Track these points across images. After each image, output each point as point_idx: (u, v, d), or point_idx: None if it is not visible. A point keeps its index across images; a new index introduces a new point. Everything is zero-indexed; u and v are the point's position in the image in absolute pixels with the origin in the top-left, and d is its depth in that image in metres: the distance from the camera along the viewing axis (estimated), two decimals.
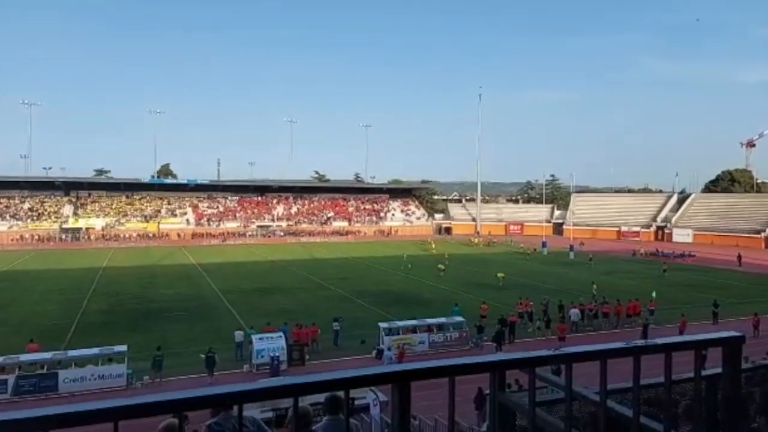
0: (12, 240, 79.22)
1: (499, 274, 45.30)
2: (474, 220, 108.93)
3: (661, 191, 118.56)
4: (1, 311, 34.01)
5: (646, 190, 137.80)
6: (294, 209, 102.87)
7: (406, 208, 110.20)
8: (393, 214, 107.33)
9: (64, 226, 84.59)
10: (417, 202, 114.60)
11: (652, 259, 64.54)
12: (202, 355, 22.88)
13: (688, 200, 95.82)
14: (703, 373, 2.13)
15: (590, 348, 1.70)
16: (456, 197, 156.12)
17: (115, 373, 21.40)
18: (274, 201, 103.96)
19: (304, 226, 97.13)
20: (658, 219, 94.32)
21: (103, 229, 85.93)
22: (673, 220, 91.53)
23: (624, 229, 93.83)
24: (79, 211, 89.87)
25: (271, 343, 23.35)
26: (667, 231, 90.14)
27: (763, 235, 78.74)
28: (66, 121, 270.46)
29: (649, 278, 47.24)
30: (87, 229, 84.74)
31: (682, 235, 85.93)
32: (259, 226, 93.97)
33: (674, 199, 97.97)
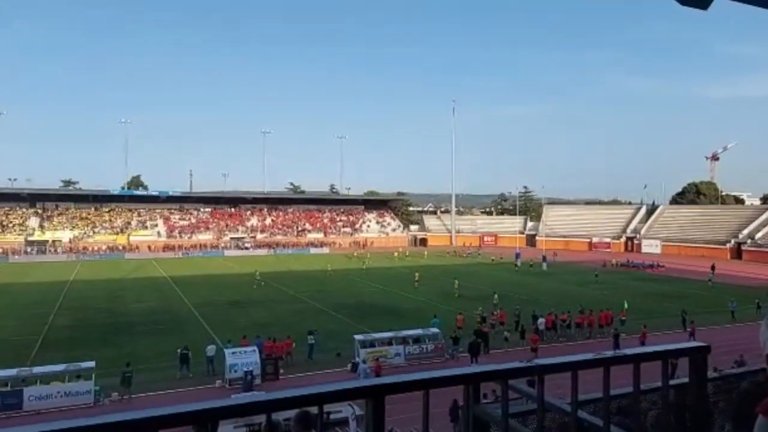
0: None
1: (455, 284, 46.28)
2: (449, 231, 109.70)
3: (630, 203, 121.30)
4: None
5: (615, 202, 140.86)
6: (268, 221, 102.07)
7: (381, 220, 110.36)
8: (368, 226, 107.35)
9: (30, 238, 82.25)
10: (392, 214, 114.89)
11: (623, 270, 65.78)
12: (179, 350, 23.89)
13: (657, 212, 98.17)
14: (672, 382, 2.17)
15: (561, 360, 1.73)
16: (431, 209, 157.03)
17: (82, 390, 20.78)
18: (248, 213, 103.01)
19: (278, 237, 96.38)
20: (628, 230, 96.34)
21: (70, 242, 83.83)
22: (642, 231, 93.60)
23: (595, 240, 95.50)
24: (46, 224, 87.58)
25: (244, 358, 23.02)
26: (636, 242, 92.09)
27: (728, 245, 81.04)
28: (32, 130, 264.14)
29: (620, 288, 48.11)
30: (54, 241, 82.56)
31: (650, 246, 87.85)
32: (232, 238, 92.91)
33: (643, 210, 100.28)
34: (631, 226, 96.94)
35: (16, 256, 76.58)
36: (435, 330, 27.75)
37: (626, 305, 35.20)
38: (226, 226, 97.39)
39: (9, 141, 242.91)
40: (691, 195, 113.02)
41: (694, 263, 67.87)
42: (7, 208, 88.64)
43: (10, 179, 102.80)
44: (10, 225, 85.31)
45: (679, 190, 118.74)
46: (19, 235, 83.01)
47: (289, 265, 69.13)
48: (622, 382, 2.15)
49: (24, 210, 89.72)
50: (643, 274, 61.36)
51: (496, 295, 39.69)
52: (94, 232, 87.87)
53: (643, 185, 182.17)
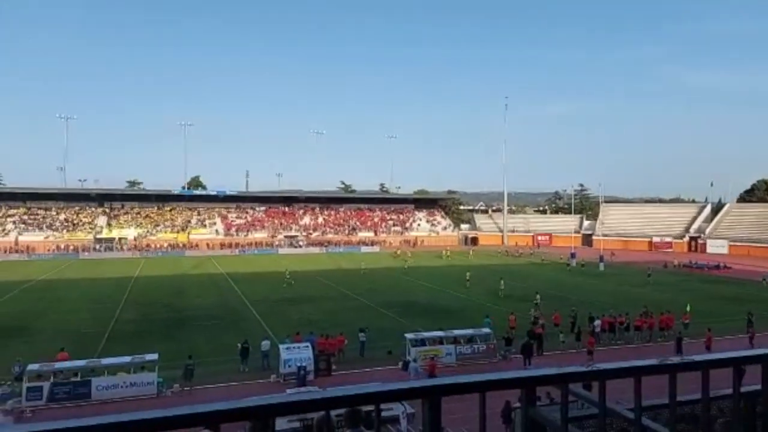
0: (48, 250, 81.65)
1: (501, 284, 45.43)
2: (501, 230, 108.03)
3: (694, 201, 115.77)
4: (37, 319, 34.99)
5: (678, 200, 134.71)
6: (320, 219, 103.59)
7: (431, 219, 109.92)
8: (419, 225, 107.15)
9: (98, 236, 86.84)
10: (443, 213, 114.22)
11: (686, 271, 62.90)
12: (239, 344, 24.86)
13: (723, 210, 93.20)
14: (741, 389, 2.06)
15: (624, 365, 1.67)
16: (482, 207, 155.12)
17: (146, 381, 21.75)
18: (301, 211, 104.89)
19: (330, 236, 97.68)
20: (692, 230, 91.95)
21: (135, 239, 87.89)
22: (707, 230, 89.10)
23: (656, 240, 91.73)
24: (113, 222, 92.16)
25: (298, 353, 23.45)
26: (701, 242, 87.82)
27: None
28: (100, 133, 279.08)
29: (682, 291, 46.02)
30: (120, 239, 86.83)
31: (716, 247, 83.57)
32: (286, 236, 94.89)
33: (708, 209, 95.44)
34: (695, 226, 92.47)
35: (86, 253, 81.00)
36: (487, 330, 27.38)
37: (689, 308, 33.60)
38: (280, 224, 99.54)
39: (79, 144, 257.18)
40: (761, 192, 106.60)
41: (764, 265, 64.04)
42: (77, 208, 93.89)
43: (80, 180, 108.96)
44: (81, 223, 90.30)
45: (748, 187, 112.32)
46: (88, 233, 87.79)
47: (339, 264, 69.92)
48: (684, 388, 2.06)
49: (93, 209, 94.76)
50: (708, 276, 58.44)
51: (538, 296, 39.00)
52: (156, 230, 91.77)
53: (709, 182, 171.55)
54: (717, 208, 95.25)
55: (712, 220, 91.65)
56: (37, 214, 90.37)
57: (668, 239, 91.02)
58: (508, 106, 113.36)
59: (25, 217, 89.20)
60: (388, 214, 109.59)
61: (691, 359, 1.70)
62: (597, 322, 29.48)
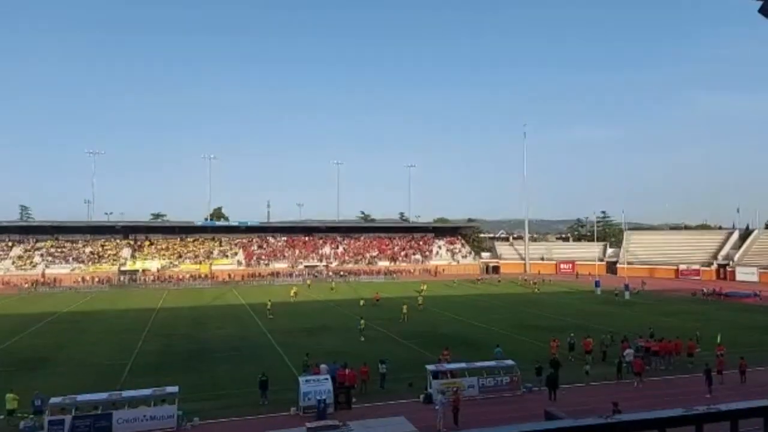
0: (74, 282, 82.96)
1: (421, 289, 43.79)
2: (522, 258, 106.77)
3: (720, 227, 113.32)
4: (60, 351, 35.32)
5: (704, 227, 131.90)
6: (340, 249, 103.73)
7: (451, 247, 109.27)
8: (439, 253, 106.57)
9: (123, 268, 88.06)
10: (463, 241, 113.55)
11: (715, 299, 61.15)
12: (258, 377, 24.67)
13: (752, 236, 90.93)
14: None
15: (648, 416, 1.60)
16: (503, 235, 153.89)
17: (166, 414, 21.65)
18: (321, 241, 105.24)
19: (350, 265, 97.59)
20: (719, 257, 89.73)
21: (158, 271, 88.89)
22: (736, 257, 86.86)
23: (682, 267, 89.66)
24: (137, 254, 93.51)
25: (317, 386, 23.19)
26: (729, 269, 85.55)
27: None
28: (126, 167, 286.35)
29: (712, 320, 44.65)
30: (143, 270, 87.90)
31: (746, 274, 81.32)
32: (306, 266, 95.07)
33: (736, 235, 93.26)
34: (723, 252, 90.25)
35: (110, 285, 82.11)
36: (510, 362, 26.77)
37: (719, 339, 32.48)
38: (301, 254, 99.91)
39: (107, 178, 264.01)
40: None
41: None
42: (103, 240, 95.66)
43: (106, 213, 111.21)
44: (106, 256, 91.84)
45: None
46: (113, 265, 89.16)
47: (360, 293, 69.52)
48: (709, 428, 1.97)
49: (118, 241, 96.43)
50: (738, 305, 56.68)
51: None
52: (179, 262, 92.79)
53: (735, 209, 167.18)
54: (745, 235, 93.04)
55: (740, 246, 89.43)
56: (64, 247, 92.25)
57: (695, 267, 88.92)
58: (527, 134, 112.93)
59: (53, 249, 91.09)
60: (408, 242, 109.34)
61: (717, 408, 1.62)
62: (628, 351, 28.67)
